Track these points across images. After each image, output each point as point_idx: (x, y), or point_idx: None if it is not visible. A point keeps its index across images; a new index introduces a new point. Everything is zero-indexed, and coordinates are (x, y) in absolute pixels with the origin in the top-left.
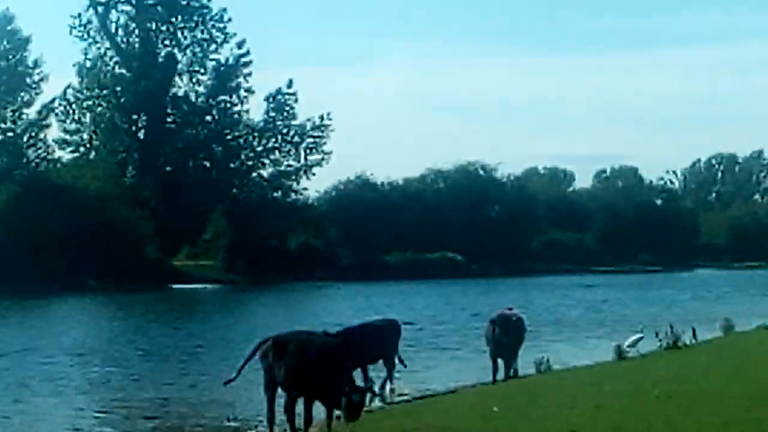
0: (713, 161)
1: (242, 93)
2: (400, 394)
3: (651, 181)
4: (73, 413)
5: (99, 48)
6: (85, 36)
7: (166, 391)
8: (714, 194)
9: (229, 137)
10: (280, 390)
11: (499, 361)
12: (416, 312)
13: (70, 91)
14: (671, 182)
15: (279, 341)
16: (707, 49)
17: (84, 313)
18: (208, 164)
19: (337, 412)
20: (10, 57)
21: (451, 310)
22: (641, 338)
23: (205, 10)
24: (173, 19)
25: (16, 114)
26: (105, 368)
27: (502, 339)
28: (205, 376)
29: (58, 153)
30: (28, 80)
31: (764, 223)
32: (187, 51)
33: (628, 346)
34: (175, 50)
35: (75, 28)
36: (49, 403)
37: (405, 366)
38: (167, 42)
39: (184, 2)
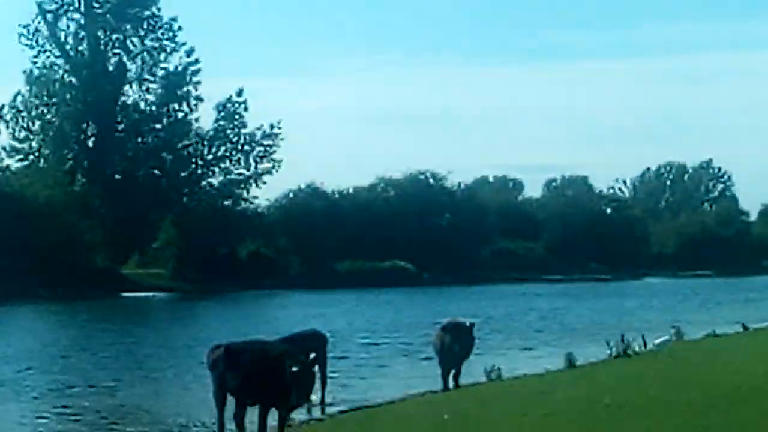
0: (662, 170)
1: (192, 101)
2: (359, 408)
3: (601, 191)
4: (26, 420)
5: (48, 56)
6: (34, 44)
7: (121, 398)
8: (663, 203)
9: (178, 145)
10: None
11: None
12: (366, 320)
13: (19, 98)
14: (621, 191)
15: (232, 350)
16: (656, 61)
17: (34, 321)
18: (157, 172)
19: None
20: None
21: (400, 318)
22: (669, 340)
23: (155, 19)
24: (123, 28)
25: None
26: (59, 375)
27: (453, 346)
28: (158, 382)
29: (6, 161)
30: None
31: (713, 233)
32: (137, 59)
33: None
34: (125, 58)
35: (24, 35)
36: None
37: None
38: (117, 50)
39: (134, 11)
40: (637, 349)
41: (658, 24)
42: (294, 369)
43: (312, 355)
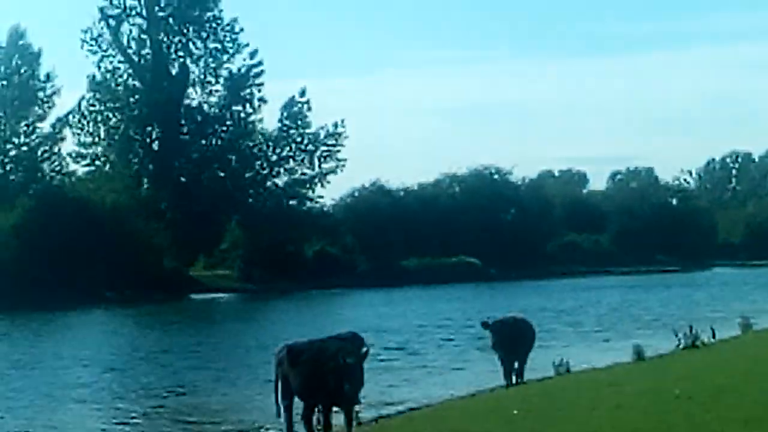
0: (728, 160)
1: (255, 102)
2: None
3: (666, 182)
4: (113, 420)
5: (111, 61)
6: (97, 49)
7: (200, 399)
8: (729, 193)
9: (243, 147)
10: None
11: (512, 364)
12: (436, 316)
13: (83, 104)
14: (686, 182)
15: (293, 350)
16: (720, 49)
17: (106, 324)
18: (222, 174)
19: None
20: (22, 71)
21: (470, 313)
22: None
23: (216, 21)
24: (185, 30)
25: (30, 128)
26: (138, 378)
27: (504, 343)
28: (234, 383)
29: (72, 166)
30: (40, 94)
31: None
32: (200, 62)
33: None
34: (188, 61)
35: (87, 41)
36: (79, 413)
37: None
38: (179, 53)
39: (196, 13)
40: (705, 340)
41: (721, 12)
42: (349, 360)
43: (364, 349)
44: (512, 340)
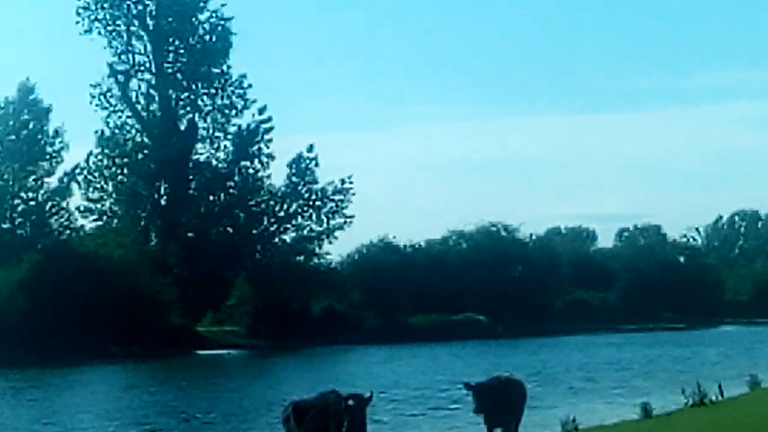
0: (735, 218)
1: (264, 158)
2: None
3: (674, 239)
4: None
5: (120, 116)
6: (106, 104)
7: None
8: (737, 250)
9: (251, 203)
10: None
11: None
12: (438, 374)
13: (91, 159)
14: (694, 239)
15: (299, 406)
16: (727, 105)
17: (115, 381)
18: (230, 230)
19: None
20: (31, 126)
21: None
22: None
23: (225, 77)
24: (194, 86)
25: (38, 183)
26: None
27: (484, 408)
28: None
29: (80, 221)
30: (48, 149)
31: None
32: (208, 117)
33: None
34: (196, 117)
35: (95, 96)
36: None
37: None
38: (188, 109)
39: (204, 69)
40: (713, 397)
41: (727, 70)
42: (350, 403)
43: (367, 394)
44: (496, 406)
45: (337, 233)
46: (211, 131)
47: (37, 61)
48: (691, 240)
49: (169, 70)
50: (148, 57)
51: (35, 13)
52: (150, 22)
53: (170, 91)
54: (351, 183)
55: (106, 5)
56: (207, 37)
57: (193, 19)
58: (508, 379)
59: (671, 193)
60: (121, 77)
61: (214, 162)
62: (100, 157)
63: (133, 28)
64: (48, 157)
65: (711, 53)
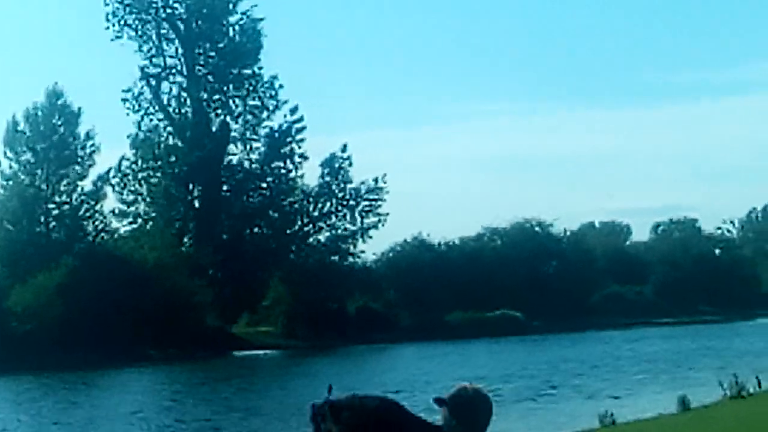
0: None
1: (296, 158)
2: None
3: (709, 232)
4: None
5: (152, 119)
6: (138, 107)
7: None
8: None
9: (284, 203)
10: None
11: None
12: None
13: (124, 162)
14: (729, 232)
15: (335, 406)
16: (759, 98)
17: (153, 383)
18: (265, 231)
19: None
20: (62, 131)
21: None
22: None
23: (256, 78)
24: (225, 88)
25: (71, 187)
26: None
27: (451, 422)
28: None
29: (115, 224)
30: (80, 153)
31: None
32: (240, 119)
33: None
34: (228, 118)
35: (127, 100)
36: None
37: None
38: (219, 111)
39: (235, 71)
40: (751, 389)
41: (761, 62)
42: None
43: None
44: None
45: (371, 232)
46: (243, 132)
47: (66, 67)
48: (726, 233)
49: (200, 73)
50: (179, 60)
51: (63, 19)
52: (180, 26)
53: (202, 93)
54: (385, 182)
55: (135, 10)
56: (237, 39)
57: (224, 21)
58: (476, 391)
59: (705, 186)
60: (152, 80)
61: (247, 163)
62: (133, 160)
63: (163, 32)
64: (80, 160)
65: (744, 47)
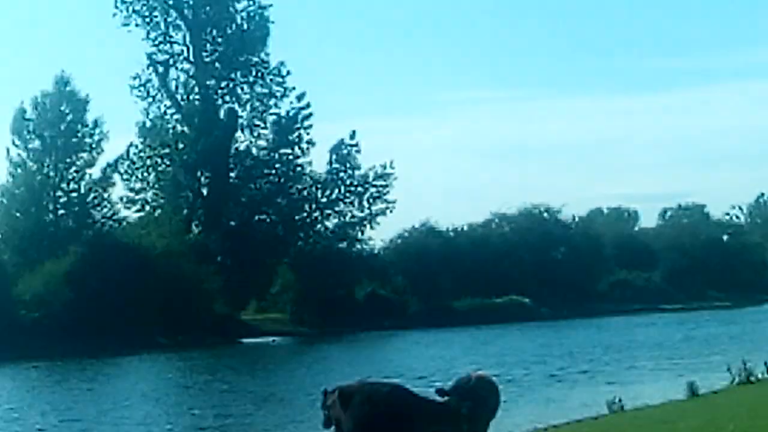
0: None
1: (304, 145)
2: None
3: (717, 218)
4: None
5: (159, 106)
6: (146, 95)
7: None
8: None
9: (292, 190)
10: None
11: None
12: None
13: (132, 149)
14: (737, 217)
15: (345, 391)
16: (763, 82)
17: (164, 370)
18: (273, 218)
19: None
20: (69, 118)
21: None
22: None
23: (264, 65)
24: (232, 75)
25: (79, 174)
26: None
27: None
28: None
29: (123, 212)
30: (88, 140)
31: None
32: (247, 106)
33: None
34: (236, 105)
35: (135, 87)
36: None
37: None
38: (227, 98)
39: (243, 58)
40: (759, 375)
41: (766, 46)
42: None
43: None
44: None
45: (379, 219)
46: (250, 119)
47: (74, 54)
48: (734, 218)
49: (208, 60)
50: (186, 47)
51: (71, 6)
52: (187, 12)
53: (209, 81)
54: (393, 168)
55: None
56: (245, 26)
57: (231, 7)
58: (480, 379)
59: (713, 171)
60: (160, 67)
61: (255, 150)
62: (140, 147)
63: (170, 19)
64: (88, 148)
65: (749, 31)
